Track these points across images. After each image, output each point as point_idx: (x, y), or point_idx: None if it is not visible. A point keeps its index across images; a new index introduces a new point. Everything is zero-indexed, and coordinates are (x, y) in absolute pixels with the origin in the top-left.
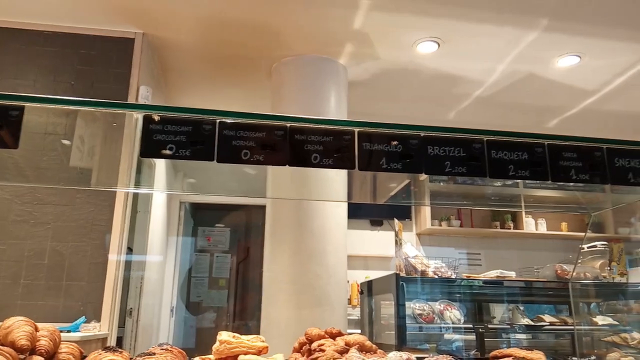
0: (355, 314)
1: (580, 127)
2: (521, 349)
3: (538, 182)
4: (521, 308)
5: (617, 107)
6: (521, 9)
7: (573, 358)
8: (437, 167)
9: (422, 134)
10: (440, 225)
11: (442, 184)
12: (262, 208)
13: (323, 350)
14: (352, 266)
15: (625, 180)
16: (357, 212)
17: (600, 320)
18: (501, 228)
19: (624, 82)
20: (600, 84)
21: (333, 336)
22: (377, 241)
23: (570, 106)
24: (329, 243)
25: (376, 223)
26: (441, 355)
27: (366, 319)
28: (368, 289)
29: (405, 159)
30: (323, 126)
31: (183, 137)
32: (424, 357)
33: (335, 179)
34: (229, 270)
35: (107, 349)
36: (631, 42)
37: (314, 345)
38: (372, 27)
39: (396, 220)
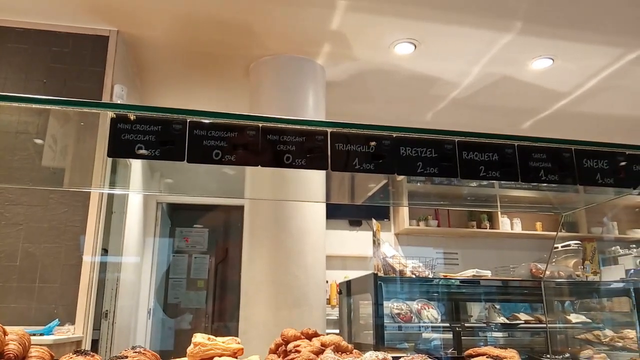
0: (335, 314)
1: (554, 128)
2: (495, 347)
3: (512, 182)
4: (497, 307)
5: (589, 109)
6: (496, 11)
7: (547, 355)
8: (409, 168)
9: (394, 135)
10: (418, 225)
11: (419, 184)
12: (241, 208)
13: (299, 352)
14: (331, 266)
15: (594, 181)
16: (336, 213)
17: (574, 318)
18: (478, 228)
19: (596, 85)
20: (573, 86)
21: (309, 337)
22: (356, 241)
23: (543, 108)
24: (307, 243)
25: (355, 223)
26: (417, 355)
27: (345, 319)
28: (347, 288)
29: (378, 160)
30: (296, 126)
31: (152, 136)
32: (401, 357)
33: (314, 180)
34: (208, 271)
35: (78, 352)
36: (603, 46)
37: (290, 346)
38: (350, 27)
39: (374, 221)
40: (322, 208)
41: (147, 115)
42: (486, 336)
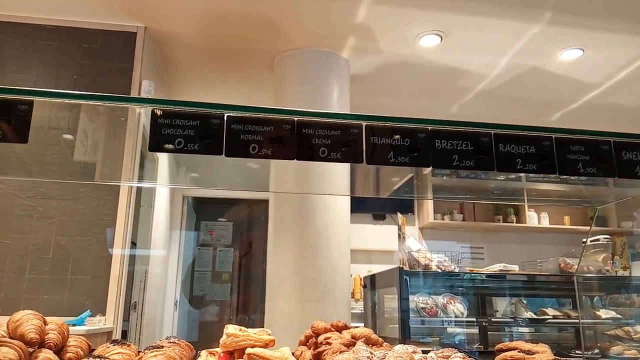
0: (358, 307)
1: (583, 120)
2: (526, 342)
3: (541, 175)
4: (524, 302)
5: (621, 100)
6: (524, 2)
7: (576, 352)
8: (444, 161)
9: (429, 128)
10: (443, 219)
11: (444, 177)
12: (265, 202)
13: (330, 344)
14: (355, 260)
15: (633, 174)
16: (360, 207)
17: (604, 313)
18: (504, 222)
19: (627, 75)
20: (603, 77)
21: (339, 329)
22: (380, 235)
23: (573, 99)
24: (331, 237)
25: (379, 217)
26: (447, 348)
27: (369, 313)
28: (371, 282)
29: (413, 153)
30: (331, 120)
31: (192, 131)
32: (430, 350)
33: (339, 174)
34: (232, 264)
35: (114, 342)
36: (634, 35)
37: (321, 338)
38: (375, 20)
39: (399, 214)
40: (346, 202)
41: (186, 110)
42: (512, 331)
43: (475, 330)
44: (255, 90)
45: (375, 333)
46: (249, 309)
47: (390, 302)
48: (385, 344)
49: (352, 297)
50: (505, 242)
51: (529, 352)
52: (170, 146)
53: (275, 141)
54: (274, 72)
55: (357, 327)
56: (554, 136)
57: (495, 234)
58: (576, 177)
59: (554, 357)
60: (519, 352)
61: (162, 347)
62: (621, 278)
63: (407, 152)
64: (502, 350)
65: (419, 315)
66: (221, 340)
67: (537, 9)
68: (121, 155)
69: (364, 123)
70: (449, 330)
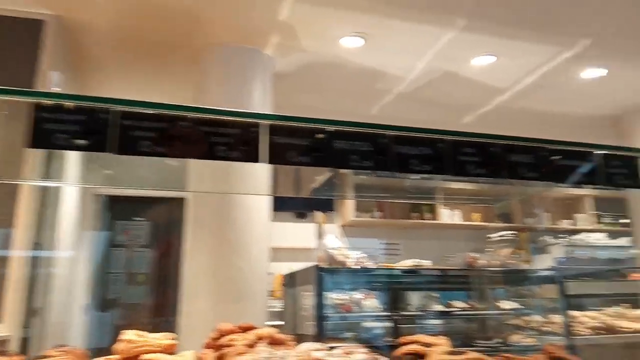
0: (280, 305)
1: (494, 123)
2: (428, 335)
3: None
4: (435, 295)
5: (527, 105)
6: (440, 8)
7: (479, 342)
8: (343, 161)
9: (329, 129)
10: (364, 217)
11: (365, 177)
12: (183, 201)
13: (233, 345)
14: (278, 258)
15: (519, 176)
16: (283, 205)
17: (506, 304)
18: (420, 219)
19: (534, 82)
20: (512, 83)
21: (245, 330)
22: (302, 233)
23: (485, 103)
24: (251, 236)
25: (301, 215)
26: (352, 344)
27: (289, 311)
28: (291, 280)
29: (314, 153)
30: (229, 118)
31: (77, 126)
32: (336, 346)
33: (258, 173)
34: (148, 265)
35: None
36: (540, 44)
37: (224, 340)
38: (298, 19)
39: (319, 212)
40: (266, 200)
41: (71, 104)
42: (423, 324)
43: (391, 324)
44: (176, 86)
45: (294, 330)
46: (166, 311)
47: (308, 299)
48: (290, 342)
49: (273, 295)
50: (421, 239)
51: (428, 345)
52: (53, 142)
53: (172, 139)
54: (195, 68)
55: (265, 327)
56: (447, 138)
57: (412, 231)
58: (483, 178)
59: (451, 349)
60: (419, 345)
61: (49, 357)
62: (522, 271)
63: (309, 152)
64: (404, 344)
65: (336, 311)
66: (116, 347)
67: (452, 15)
68: (20, 152)
69: (263, 122)
70: (365, 325)
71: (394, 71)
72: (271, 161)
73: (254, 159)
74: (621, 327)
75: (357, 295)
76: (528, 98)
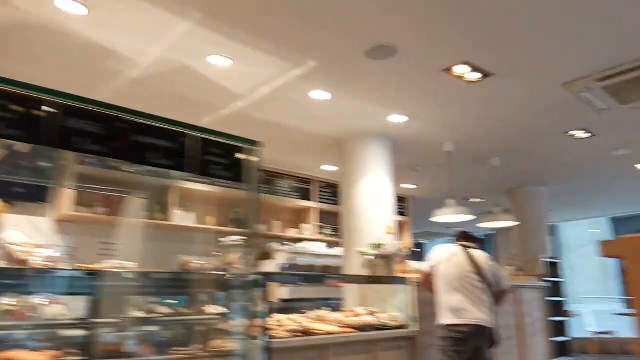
0: None
1: (234, 129)
2: (33, 350)
3: (187, 174)
4: (139, 300)
5: (262, 115)
6: None
7: (175, 349)
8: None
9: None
10: (84, 212)
11: (92, 168)
12: None
13: None
14: None
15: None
16: None
17: (212, 309)
18: (151, 219)
19: (268, 94)
20: (248, 91)
21: None
22: None
23: (222, 106)
24: None
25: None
26: None
27: None
28: None
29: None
30: None
31: None
32: None
33: None
34: None
35: None
36: (274, 57)
37: None
38: None
39: None
40: None
41: None
42: (123, 332)
43: (83, 333)
44: None
45: None
46: None
47: None
48: None
49: None
50: (151, 240)
51: None
52: None
53: None
54: None
55: None
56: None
57: (143, 231)
58: (222, 180)
59: None
60: None
61: None
62: (237, 275)
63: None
64: None
65: (5, 319)
66: None
67: (187, 6)
68: None
69: None
70: (51, 334)
71: (126, 53)
72: None
73: None
74: (315, 330)
75: (38, 300)
76: (263, 108)
